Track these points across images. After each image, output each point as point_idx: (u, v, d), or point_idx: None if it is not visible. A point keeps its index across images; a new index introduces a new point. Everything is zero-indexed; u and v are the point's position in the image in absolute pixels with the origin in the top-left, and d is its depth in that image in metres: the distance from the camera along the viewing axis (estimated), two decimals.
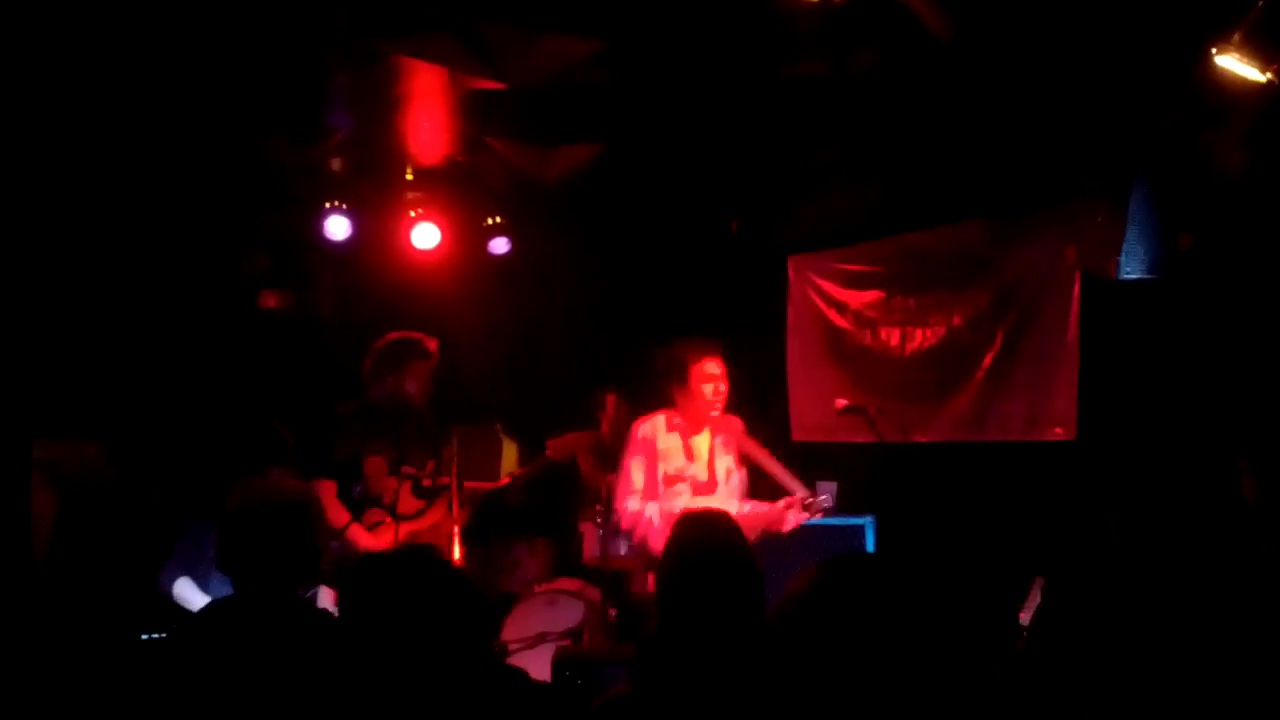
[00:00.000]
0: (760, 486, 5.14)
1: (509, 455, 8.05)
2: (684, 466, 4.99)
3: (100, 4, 4.37)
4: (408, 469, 5.37)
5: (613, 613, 6.22)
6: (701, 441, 5.04)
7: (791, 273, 7.45)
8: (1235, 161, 4.88)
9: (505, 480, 7.04)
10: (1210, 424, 5.49)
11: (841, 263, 7.22)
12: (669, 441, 5.00)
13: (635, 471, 5.01)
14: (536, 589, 6.40)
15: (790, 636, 1.78)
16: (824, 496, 4.90)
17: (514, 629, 6.06)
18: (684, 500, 4.89)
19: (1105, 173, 5.47)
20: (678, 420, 5.02)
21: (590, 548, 6.67)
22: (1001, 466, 6.28)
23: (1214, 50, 4.20)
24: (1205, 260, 5.48)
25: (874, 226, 6.90)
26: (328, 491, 5.15)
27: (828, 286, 7.29)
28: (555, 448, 6.81)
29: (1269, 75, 4.24)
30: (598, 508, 6.55)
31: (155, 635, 4.33)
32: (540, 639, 5.91)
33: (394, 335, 5.52)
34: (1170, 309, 5.62)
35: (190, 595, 4.58)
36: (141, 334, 6.85)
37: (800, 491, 4.92)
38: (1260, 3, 4.09)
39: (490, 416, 8.16)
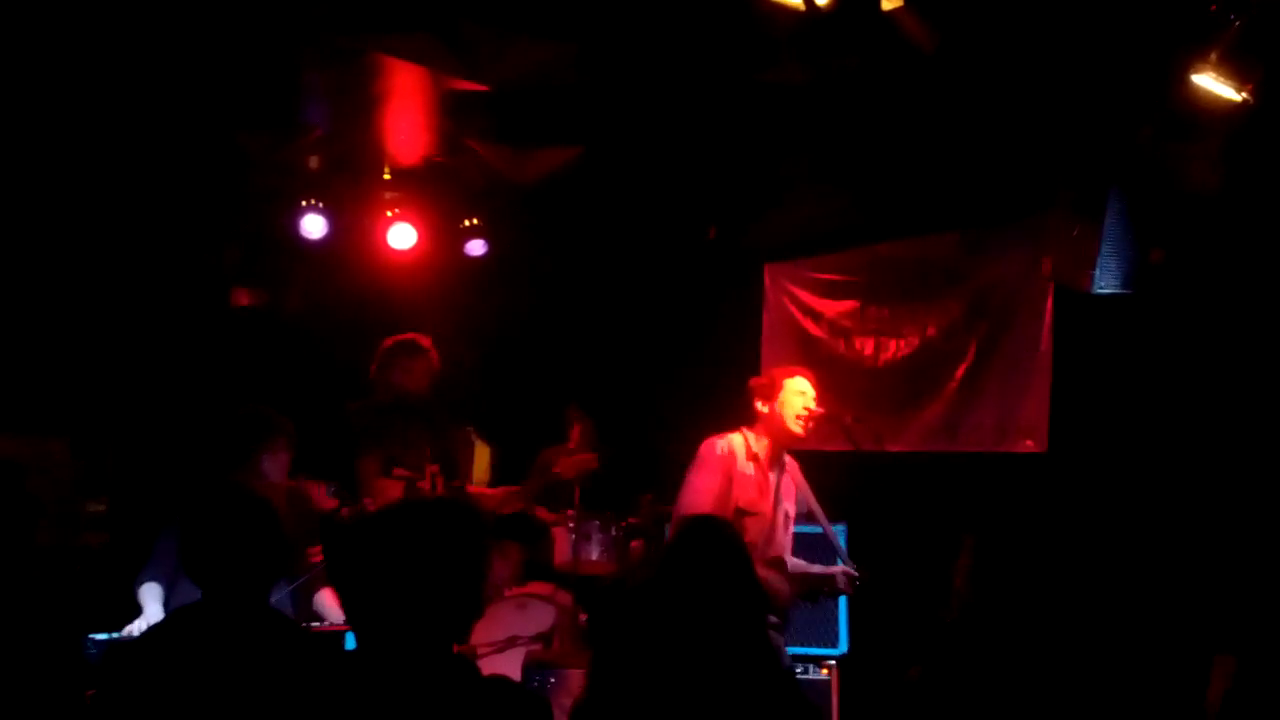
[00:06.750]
0: None
1: (481, 459, 8.01)
2: (756, 500, 4.59)
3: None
4: (400, 471, 5.37)
5: (583, 617, 6.20)
6: (774, 478, 4.69)
7: (767, 280, 7.46)
8: (1208, 177, 4.91)
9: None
10: (1182, 437, 5.53)
11: (817, 271, 7.24)
12: (747, 468, 4.62)
13: (707, 489, 4.51)
14: (506, 592, 6.38)
15: None
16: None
17: (483, 632, 6.02)
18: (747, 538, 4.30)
19: (1079, 186, 5.50)
20: (755, 446, 4.66)
21: (562, 551, 6.65)
22: (974, 477, 6.30)
23: (1191, 68, 4.23)
24: (1177, 275, 5.52)
25: (850, 235, 6.93)
26: (319, 493, 5.18)
27: (803, 295, 7.31)
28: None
29: (1244, 94, 4.26)
30: (569, 512, 6.54)
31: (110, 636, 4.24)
32: (510, 643, 5.88)
33: (392, 338, 5.63)
34: (1143, 323, 5.65)
35: (148, 600, 4.49)
36: (111, 329, 6.78)
37: (849, 563, 4.73)
38: (1237, 22, 4.11)
39: (463, 419, 8.12)
